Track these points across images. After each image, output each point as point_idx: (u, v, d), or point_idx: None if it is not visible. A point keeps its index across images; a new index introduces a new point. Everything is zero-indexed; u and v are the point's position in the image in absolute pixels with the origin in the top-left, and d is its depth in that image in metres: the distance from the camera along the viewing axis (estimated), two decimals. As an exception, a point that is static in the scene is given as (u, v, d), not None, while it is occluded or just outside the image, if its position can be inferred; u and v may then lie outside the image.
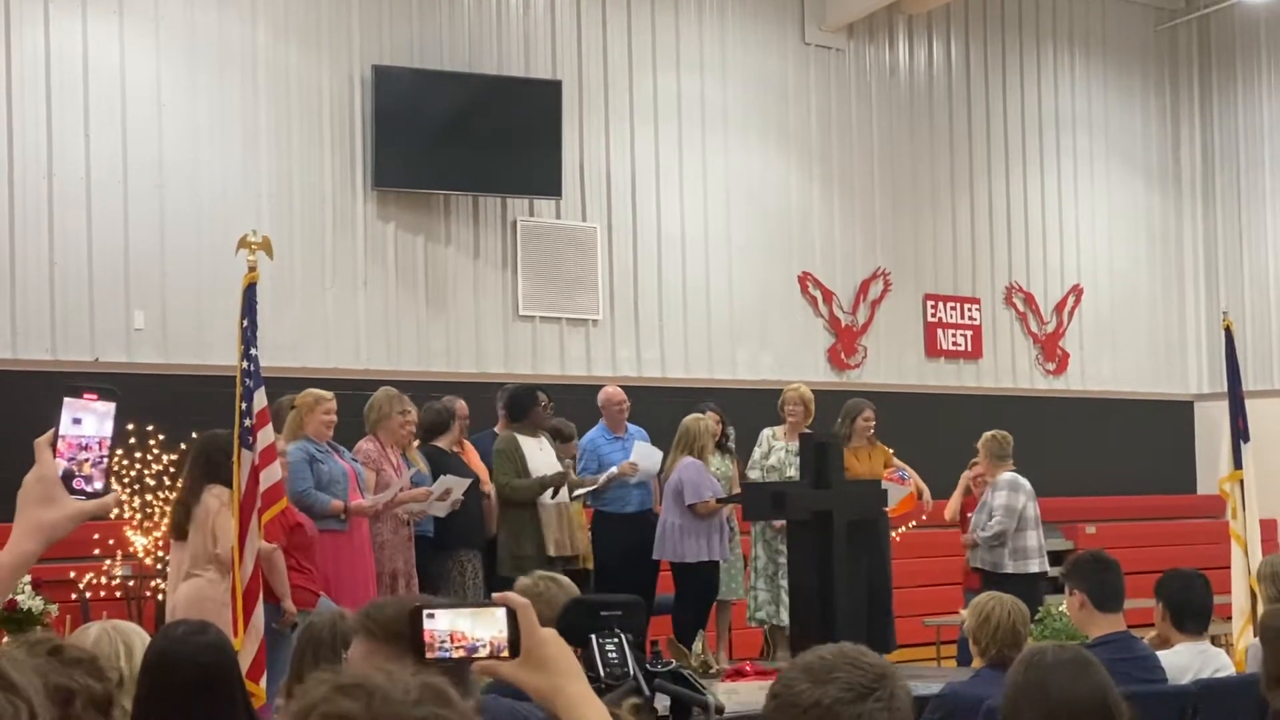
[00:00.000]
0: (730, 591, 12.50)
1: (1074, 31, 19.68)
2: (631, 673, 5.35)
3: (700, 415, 12.28)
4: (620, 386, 12.99)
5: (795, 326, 17.23)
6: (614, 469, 11.94)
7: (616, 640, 5.47)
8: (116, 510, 11.97)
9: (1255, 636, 6.41)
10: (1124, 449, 19.11)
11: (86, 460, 2.76)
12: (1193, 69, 20.62)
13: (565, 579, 6.31)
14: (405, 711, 1.95)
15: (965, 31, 18.77)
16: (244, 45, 14.14)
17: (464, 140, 14.78)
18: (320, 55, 14.53)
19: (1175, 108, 20.57)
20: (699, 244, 16.55)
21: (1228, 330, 11.46)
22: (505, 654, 2.50)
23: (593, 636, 5.46)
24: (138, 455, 12.29)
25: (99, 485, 2.77)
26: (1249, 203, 20.04)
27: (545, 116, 15.22)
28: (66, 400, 2.74)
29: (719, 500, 11.94)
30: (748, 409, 13.65)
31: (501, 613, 2.51)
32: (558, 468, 11.47)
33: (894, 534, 13.38)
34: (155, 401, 12.53)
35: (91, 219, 13.34)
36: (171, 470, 12.04)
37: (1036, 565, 12.37)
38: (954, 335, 18.46)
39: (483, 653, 2.52)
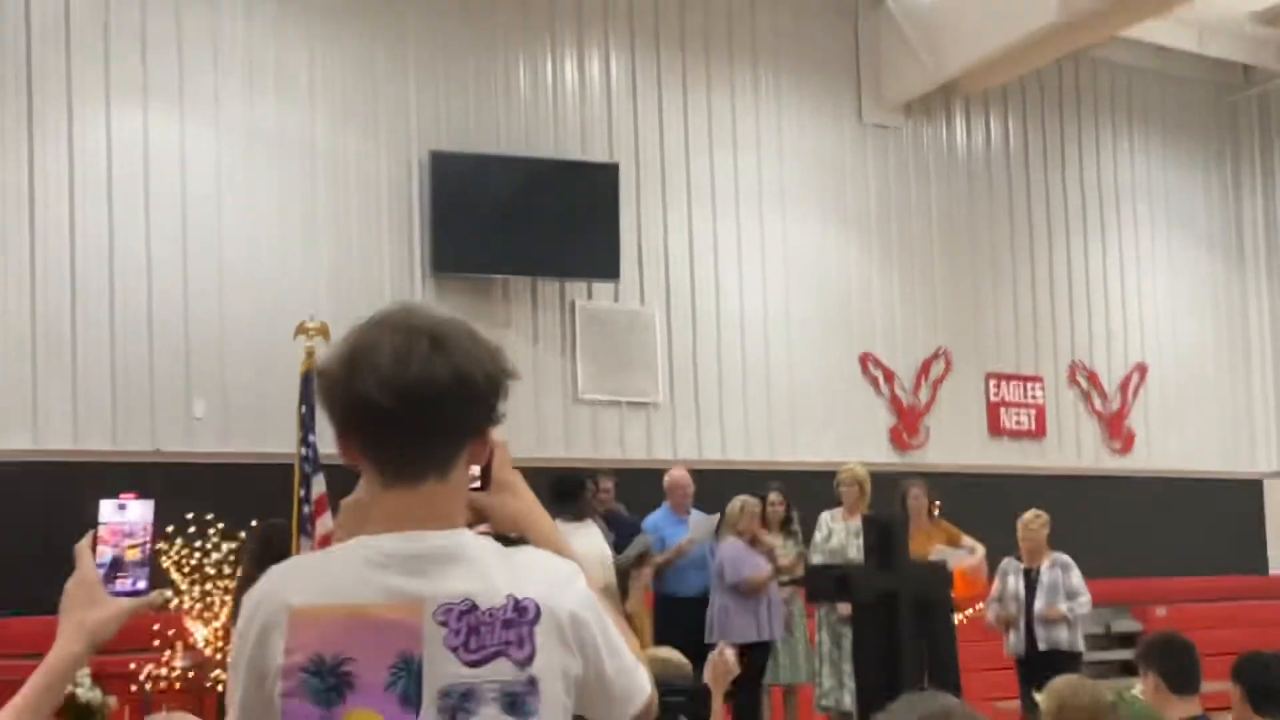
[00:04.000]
0: (795, 675, 12.37)
1: (1133, 106, 19.59)
2: (697, 761, 5.26)
3: (744, 498, 12.24)
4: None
5: (857, 407, 17.11)
6: (646, 537, 11.97)
7: (681, 727, 5.38)
8: (176, 600, 11.95)
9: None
10: (1193, 529, 18.83)
11: (134, 546, 2.78)
12: (1254, 142, 20.48)
13: (675, 655, 6.23)
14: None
15: (1023, 109, 18.71)
16: (302, 133, 14.23)
17: (522, 224, 14.79)
18: (378, 142, 14.59)
19: (1237, 181, 20.42)
20: (758, 325, 16.48)
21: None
22: (477, 486, 2.64)
23: (656, 723, 5.36)
24: (197, 544, 12.26)
25: (143, 584, 2.80)
26: (1314, 275, 19.87)
27: (603, 199, 15.23)
28: (104, 502, 2.81)
29: (779, 576, 11.87)
30: (811, 491, 13.51)
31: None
32: (605, 552, 11.33)
33: (960, 617, 13.17)
34: (215, 489, 12.53)
35: (152, 308, 13.39)
36: (231, 559, 12.00)
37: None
38: (1017, 414, 18.29)
39: None
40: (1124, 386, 19.14)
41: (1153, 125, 19.79)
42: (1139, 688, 7.30)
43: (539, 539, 2.66)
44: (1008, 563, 12.48)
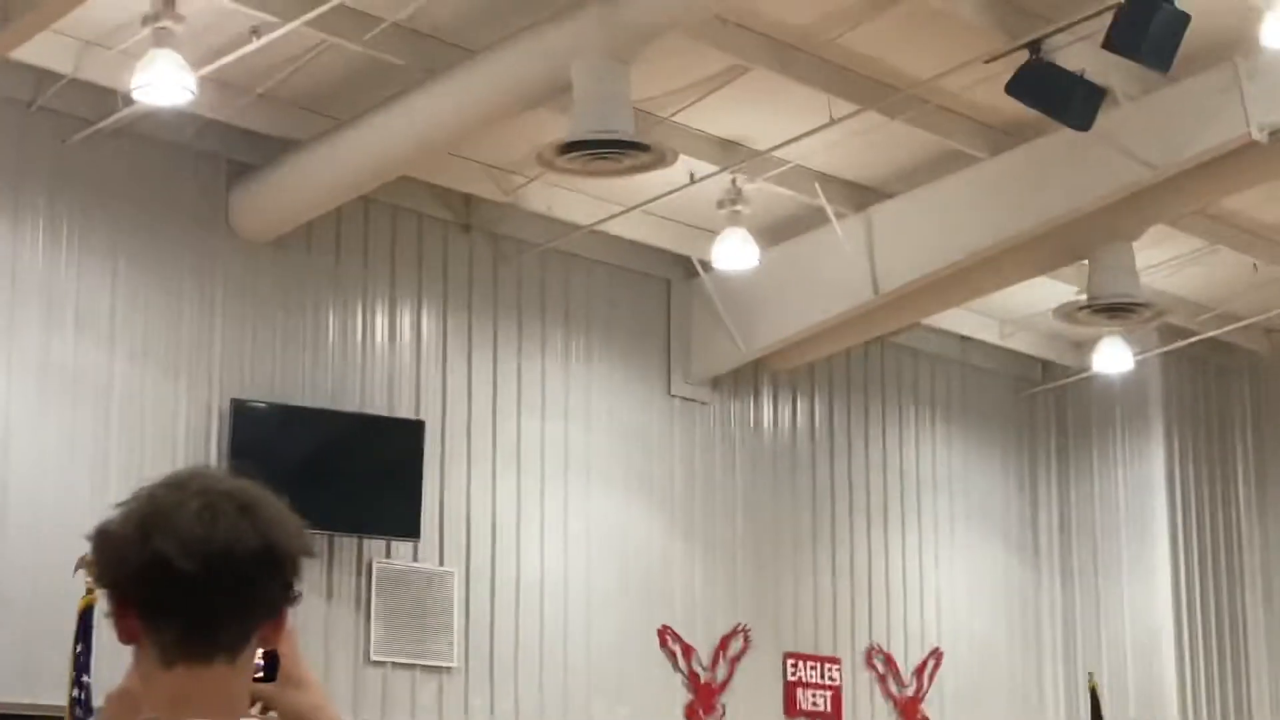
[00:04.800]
0: None
1: (935, 395, 19.88)
2: None
3: None
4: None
5: (653, 681, 16.81)
6: None
7: None
8: None
9: None
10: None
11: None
12: (1050, 437, 20.85)
13: None
14: None
15: (829, 390, 18.88)
16: (99, 372, 13.79)
17: (322, 478, 14.41)
18: (178, 385, 14.21)
19: (1033, 474, 20.72)
20: (558, 592, 16.21)
21: (1093, 692, 11.31)
22: (260, 676, 2.38)
23: None
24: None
25: None
26: (1105, 570, 20.08)
27: (407, 457, 15.01)
28: None
29: None
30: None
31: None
32: None
33: None
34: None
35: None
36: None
37: None
38: (814, 695, 18.12)
39: None
40: (919, 672, 19.08)
41: (954, 414, 20.08)
42: None
43: None
44: None
